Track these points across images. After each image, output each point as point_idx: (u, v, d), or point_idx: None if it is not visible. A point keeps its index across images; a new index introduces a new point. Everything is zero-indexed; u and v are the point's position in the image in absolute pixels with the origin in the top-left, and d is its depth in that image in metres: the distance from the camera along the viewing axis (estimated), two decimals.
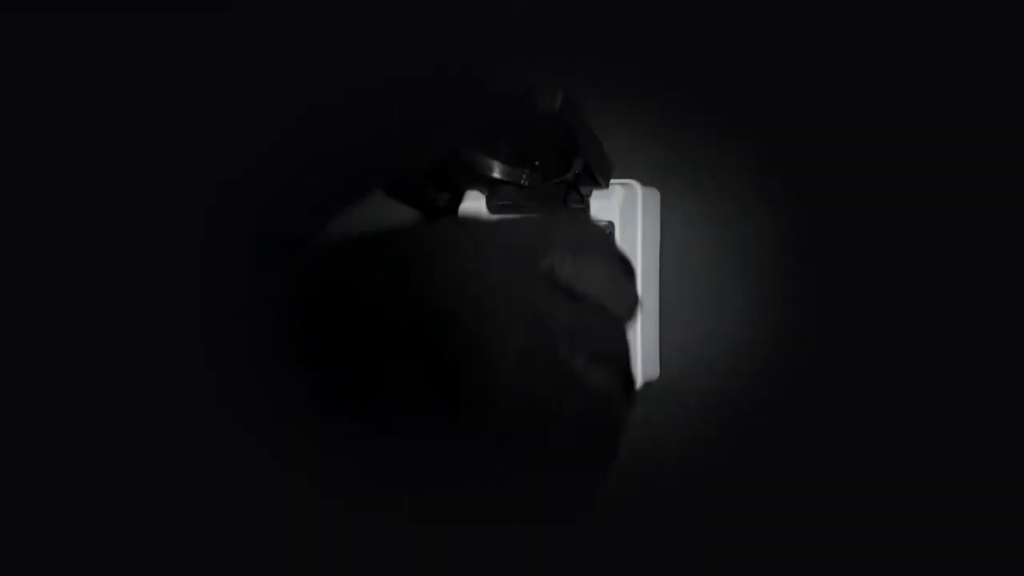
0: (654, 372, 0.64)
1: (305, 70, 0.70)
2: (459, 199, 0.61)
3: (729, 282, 0.64)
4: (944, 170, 0.62)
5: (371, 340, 0.39)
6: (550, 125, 0.53)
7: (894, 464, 0.63)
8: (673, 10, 0.65)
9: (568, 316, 0.38)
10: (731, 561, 0.65)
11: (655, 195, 0.64)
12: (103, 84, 0.73)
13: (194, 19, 0.71)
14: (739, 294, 0.64)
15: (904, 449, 0.63)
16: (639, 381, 0.62)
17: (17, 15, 0.73)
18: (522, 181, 0.58)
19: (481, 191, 0.61)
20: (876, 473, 0.63)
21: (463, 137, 0.55)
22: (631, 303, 0.41)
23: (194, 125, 0.72)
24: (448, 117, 0.51)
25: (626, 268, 0.41)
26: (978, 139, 0.61)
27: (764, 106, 0.64)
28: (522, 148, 0.57)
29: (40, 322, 0.74)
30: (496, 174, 0.58)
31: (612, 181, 0.61)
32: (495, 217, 0.51)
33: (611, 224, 0.61)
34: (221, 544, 0.72)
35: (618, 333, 0.40)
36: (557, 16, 0.66)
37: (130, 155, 0.73)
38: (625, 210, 0.61)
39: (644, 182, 0.62)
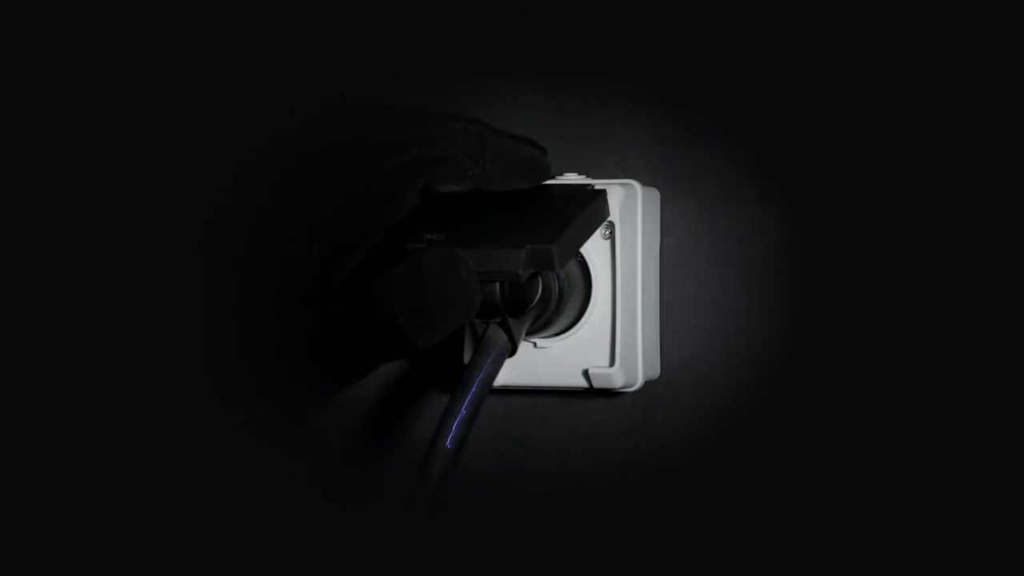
0: (654, 372, 0.64)
1: (302, 72, 0.70)
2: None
3: (729, 282, 0.64)
4: (948, 171, 0.62)
5: None
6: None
7: (895, 465, 0.63)
8: (674, 9, 0.64)
9: None
10: (731, 561, 0.65)
11: (655, 195, 0.64)
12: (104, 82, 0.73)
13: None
14: (739, 294, 0.64)
15: (905, 450, 0.63)
16: (639, 381, 0.62)
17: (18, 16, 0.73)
18: None
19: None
20: (877, 474, 0.63)
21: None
22: None
23: (188, 124, 0.72)
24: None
25: None
26: (983, 140, 0.61)
27: (765, 105, 0.63)
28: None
29: (43, 319, 0.74)
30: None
31: (612, 181, 0.61)
32: None
33: (611, 224, 0.61)
34: (221, 539, 0.72)
35: None
36: (557, 15, 0.66)
37: (125, 153, 0.73)
38: (625, 210, 0.61)
39: (644, 182, 0.62)
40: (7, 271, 0.75)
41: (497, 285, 0.55)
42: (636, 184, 0.61)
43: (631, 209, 0.61)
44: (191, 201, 0.73)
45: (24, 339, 0.74)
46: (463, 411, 0.54)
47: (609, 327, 0.61)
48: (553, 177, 0.63)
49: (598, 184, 0.61)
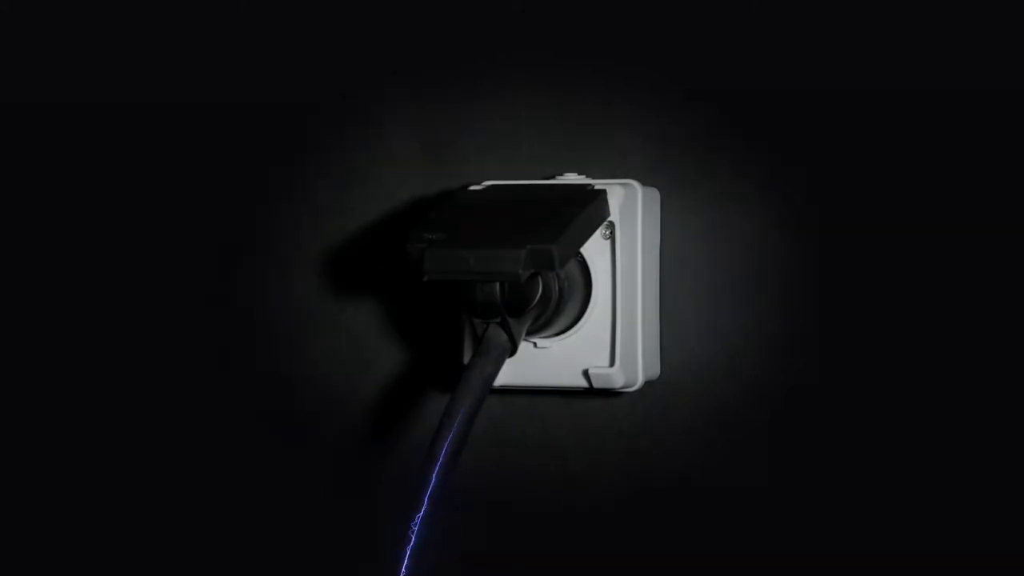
0: (654, 372, 0.64)
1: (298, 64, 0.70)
2: None
3: (729, 282, 0.64)
4: (948, 171, 0.62)
5: None
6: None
7: (895, 464, 0.63)
8: (674, 9, 0.64)
9: None
10: (731, 561, 0.65)
11: (655, 195, 0.64)
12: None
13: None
14: (739, 294, 0.64)
15: (905, 450, 0.63)
16: (639, 381, 0.62)
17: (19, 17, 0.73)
18: None
19: None
20: (877, 473, 0.63)
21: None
22: None
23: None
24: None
25: None
26: (983, 140, 0.61)
27: (765, 106, 0.63)
28: None
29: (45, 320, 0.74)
30: None
31: (612, 181, 0.61)
32: None
33: (611, 224, 0.61)
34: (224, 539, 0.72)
35: None
36: (557, 15, 0.66)
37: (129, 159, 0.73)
38: (625, 210, 0.61)
39: (644, 182, 0.62)
40: (9, 271, 0.74)
41: (497, 285, 0.55)
42: (636, 184, 0.61)
43: (631, 209, 0.61)
44: (192, 200, 0.73)
45: (27, 338, 0.74)
46: (463, 411, 0.54)
47: (609, 327, 0.61)
48: (553, 177, 0.63)
49: (598, 184, 0.61)
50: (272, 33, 0.70)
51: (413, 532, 0.51)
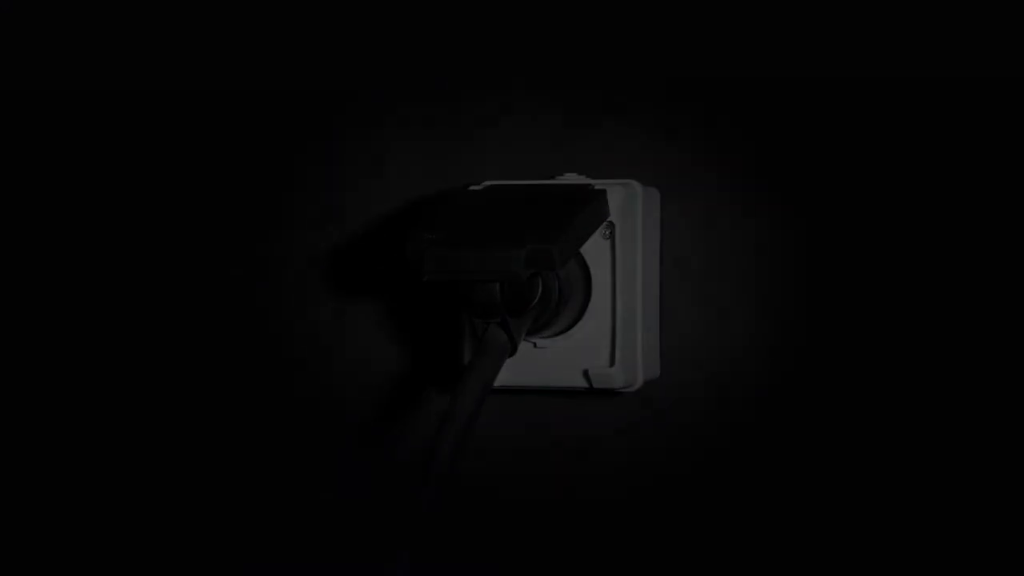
0: (654, 372, 0.64)
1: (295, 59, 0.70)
2: None
3: (730, 282, 0.64)
4: (947, 170, 0.62)
5: None
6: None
7: (895, 464, 0.63)
8: (675, 8, 0.64)
9: None
10: (731, 561, 0.65)
11: (655, 195, 0.64)
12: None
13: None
14: (739, 294, 0.64)
15: (905, 450, 0.63)
16: (639, 381, 0.62)
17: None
18: None
19: None
20: (877, 473, 0.63)
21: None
22: None
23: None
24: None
25: None
26: (981, 142, 0.61)
27: (766, 105, 0.63)
28: None
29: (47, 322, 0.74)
30: None
31: (612, 181, 0.61)
32: None
33: (611, 224, 0.61)
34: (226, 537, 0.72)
35: None
36: (557, 14, 0.66)
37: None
38: (625, 210, 0.61)
39: (644, 182, 0.62)
40: (8, 269, 0.75)
41: (497, 285, 0.55)
42: (636, 184, 0.61)
43: (631, 209, 0.61)
44: (192, 200, 0.73)
45: (25, 336, 0.74)
46: (463, 412, 0.54)
47: (609, 327, 0.61)
48: (553, 177, 0.63)
49: (598, 184, 0.61)
50: (272, 33, 0.70)
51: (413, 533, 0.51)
